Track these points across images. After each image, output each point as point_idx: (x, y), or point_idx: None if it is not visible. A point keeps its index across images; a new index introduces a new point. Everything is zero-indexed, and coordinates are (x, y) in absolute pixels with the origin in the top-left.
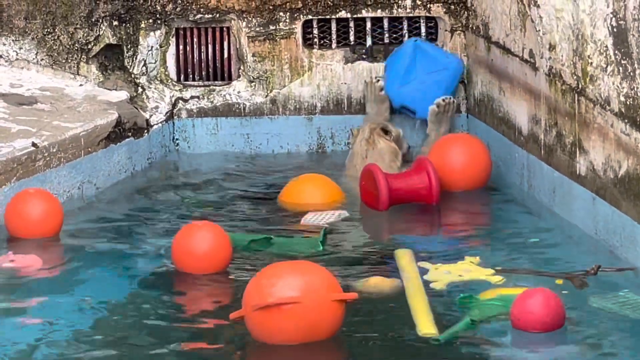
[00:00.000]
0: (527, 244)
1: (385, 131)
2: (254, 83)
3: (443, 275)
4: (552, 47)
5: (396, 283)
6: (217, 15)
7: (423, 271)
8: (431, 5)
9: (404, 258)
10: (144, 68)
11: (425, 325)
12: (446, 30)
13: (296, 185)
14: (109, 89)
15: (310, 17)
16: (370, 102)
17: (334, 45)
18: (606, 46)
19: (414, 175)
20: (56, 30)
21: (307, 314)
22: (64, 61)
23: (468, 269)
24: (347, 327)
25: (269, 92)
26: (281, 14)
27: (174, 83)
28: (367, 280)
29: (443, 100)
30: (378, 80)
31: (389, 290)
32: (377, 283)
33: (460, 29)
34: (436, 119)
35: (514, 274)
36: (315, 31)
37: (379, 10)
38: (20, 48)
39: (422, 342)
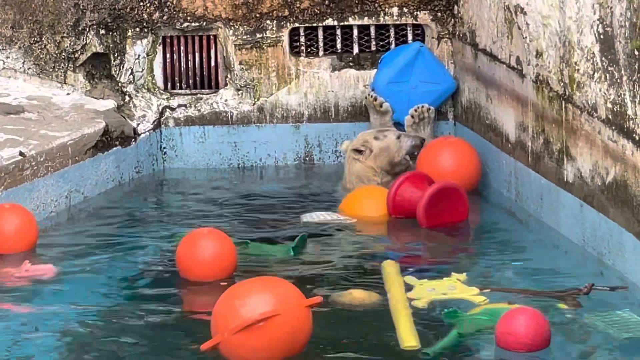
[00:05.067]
0: (513, 260)
1: (359, 151)
2: (241, 91)
3: (427, 292)
4: (539, 54)
5: (378, 296)
6: (204, 23)
7: (408, 287)
8: (418, 12)
9: (390, 270)
10: (131, 76)
11: (408, 339)
12: (433, 38)
13: (355, 197)
14: (96, 98)
15: (297, 25)
16: (373, 115)
17: (321, 53)
18: (593, 53)
19: (420, 192)
20: (43, 39)
21: (287, 324)
22: (51, 70)
23: (453, 286)
24: (328, 340)
25: (256, 100)
26: (268, 22)
27: (161, 91)
28: (349, 293)
29: (415, 110)
30: (376, 99)
31: (370, 302)
32: (359, 295)
33: (447, 36)
34: (412, 128)
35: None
36: (302, 39)
37: (366, 18)
38: (7, 57)
39: (406, 357)
